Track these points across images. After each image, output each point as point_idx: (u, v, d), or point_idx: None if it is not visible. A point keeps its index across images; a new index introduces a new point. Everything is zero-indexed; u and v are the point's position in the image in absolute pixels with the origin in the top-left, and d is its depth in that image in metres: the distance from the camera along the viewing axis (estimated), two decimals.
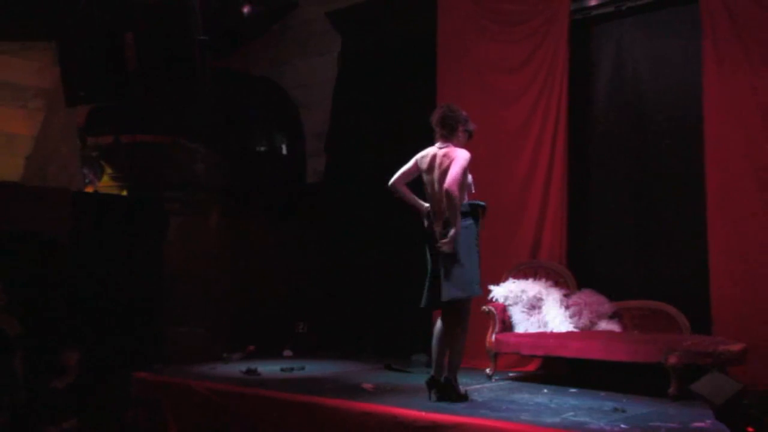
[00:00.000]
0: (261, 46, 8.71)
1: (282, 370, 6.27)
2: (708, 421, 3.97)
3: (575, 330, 5.73)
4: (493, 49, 6.84)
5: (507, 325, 5.92)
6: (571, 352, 5.40)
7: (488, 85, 6.84)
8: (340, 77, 8.26)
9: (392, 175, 4.99)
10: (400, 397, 4.91)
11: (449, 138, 4.84)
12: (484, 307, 5.85)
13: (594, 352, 5.25)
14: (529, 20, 6.66)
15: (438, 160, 4.78)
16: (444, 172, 4.68)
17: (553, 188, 6.37)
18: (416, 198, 4.97)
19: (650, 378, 5.00)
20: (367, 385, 5.34)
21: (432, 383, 4.75)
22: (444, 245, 4.60)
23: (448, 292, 4.63)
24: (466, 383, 5.48)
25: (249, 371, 6.07)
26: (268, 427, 5.00)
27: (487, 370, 5.82)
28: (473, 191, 4.86)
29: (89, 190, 7.88)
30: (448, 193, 4.56)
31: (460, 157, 4.68)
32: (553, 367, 6.04)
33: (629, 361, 5.08)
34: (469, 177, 4.79)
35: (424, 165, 4.85)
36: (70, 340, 6.38)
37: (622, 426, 4.00)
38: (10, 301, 6.01)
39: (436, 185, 4.77)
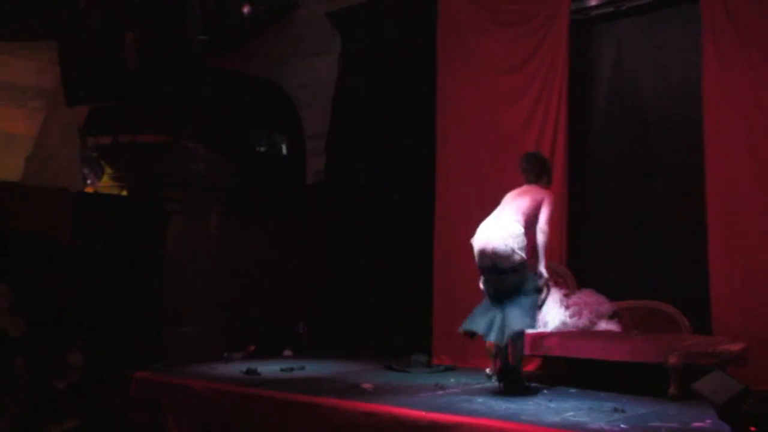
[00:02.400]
0: (261, 46, 8.71)
1: (282, 370, 6.27)
2: (708, 421, 3.97)
3: (575, 330, 5.73)
4: (493, 49, 6.84)
5: None
6: (571, 352, 5.40)
7: (488, 85, 6.83)
8: (340, 77, 8.25)
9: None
10: (400, 397, 4.91)
11: (536, 182, 5.46)
12: None
13: (594, 352, 5.25)
14: (529, 20, 6.66)
15: (527, 191, 5.36)
16: (530, 199, 5.25)
17: (553, 188, 6.33)
18: None
19: (650, 378, 5.00)
20: (367, 385, 5.34)
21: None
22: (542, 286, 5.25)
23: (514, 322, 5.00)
24: (466, 383, 5.50)
25: (249, 371, 6.07)
26: (268, 427, 5.00)
27: (487, 370, 5.81)
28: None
29: (89, 190, 7.88)
30: (545, 233, 5.20)
31: (550, 200, 5.30)
32: (553, 367, 6.03)
33: (629, 361, 5.08)
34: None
35: (509, 197, 5.39)
36: (71, 341, 6.39)
37: (622, 426, 4.00)
38: (14, 302, 6.02)
39: (516, 200, 5.28)
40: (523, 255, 5.04)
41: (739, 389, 3.57)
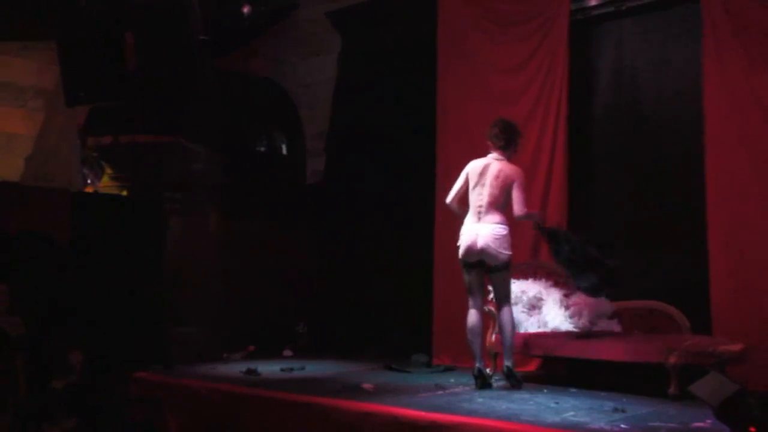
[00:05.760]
0: (261, 46, 8.71)
1: (282, 370, 6.27)
2: (708, 421, 3.97)
3: (575, 330, 5.73)
4: (493, 49, 6.84)
5: None
6: (571, 352, 5.40)
7: (488, 85, 6.84)
8: (340, 77, 8.25)
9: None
10: (400, 397, 4.91)
11: (505, 149, 5.35)
12: (484, 307, 5.85)
13: (594, 352, 5.26)
14: (529, 20, 6.67)
15: (494, 171, 5.27)
16: (500, 181, 5.20)
17: (554, 188, 6.38)
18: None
19: (650, 378, 5.01)
20: (367, 385, 5.34)
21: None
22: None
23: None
24: (466, 383, 5.50)
25: (249, 371, 6.07)
26: (268, 427, 5.00)
27: (487, 370, 5.81)
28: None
29: (89, 190, 7.88)
30: (527, 215, 5.24)
31: (521, 178, 5.24)
32: (553, 367, 6.04)
33: (629, 361, 5.08)
34: None
35: (475, 174, 5.32)
36: (71, 341, 6.38)
37: (622, 426, 4.00)
38: (14, 302, 6.01)
39: (486, 188, 5.23)
40: (509, 253, 5.24)
41: (735, 389, 3.56)
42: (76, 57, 6.70)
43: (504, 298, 5.32)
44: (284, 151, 8.68)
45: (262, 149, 8.59)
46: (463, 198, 5.41)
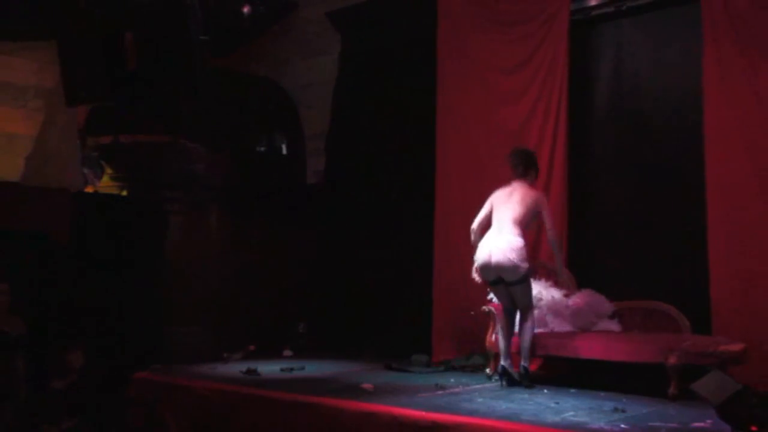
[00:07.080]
0: (261, 46, 8.72)
1: (282, 370, 6.27)
2: (708, 421, 3.97)
3: (575, 330, 5.73)
4: (493, 49, 6.84)
5: None
6: (571, 352, 5.40)
7: (488, 85, 6.84)
8: (340, 77, 8.26)
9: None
10: (400, 397, 4.91)
11: (525, 176, 5.49)
12: (484, 308, 5.85)
13: (594, 352, 5.26)
14: (529, 20, 6.67)
15: (520, 194, 5.40)
16: (526, 205, 5.34)
17: (554, 188, 6.37)
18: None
19: (650, 378, 5.00)
20: (367, 385, 5.34)
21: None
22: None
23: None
24: (465, 383, 5.50)
25: (249, 371, 6.07)
26: (268, 427, 5.00)
27: (487, 370, 5.82)
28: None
29: (89, 190, 7.88)
30: (558, 243, 5.53)
31: (546, 203, 5.48)
32: (553, 367, 6.03)
33: (629, 361, 5.08)
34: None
35: (501, 198, 5.46)
36: (71, 341, 6.38)
37: (622, 426, 4.00)
38: (14, 302, 6.02)
39: (512, 206, 5.35)
40: (527, 265, 5.25)
41: (738, 389, 3.57)
42: (76, 57, 6.70)
43: (526, 307, 5.36)
44: (284, 151, 8.68)
45: (262, 149, 8.59)
46: (487, 226, 5.48)
